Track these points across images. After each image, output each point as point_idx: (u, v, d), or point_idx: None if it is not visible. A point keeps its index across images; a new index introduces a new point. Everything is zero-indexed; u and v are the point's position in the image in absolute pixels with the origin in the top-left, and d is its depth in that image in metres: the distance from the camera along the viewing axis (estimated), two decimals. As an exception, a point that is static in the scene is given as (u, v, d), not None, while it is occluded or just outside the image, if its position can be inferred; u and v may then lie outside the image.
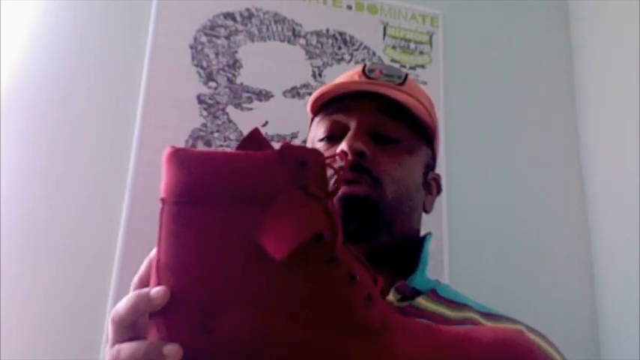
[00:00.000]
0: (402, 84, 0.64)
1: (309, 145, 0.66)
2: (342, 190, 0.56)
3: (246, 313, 0.33)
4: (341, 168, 0.55)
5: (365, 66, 0.65)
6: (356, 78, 0.64)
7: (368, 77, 0.64)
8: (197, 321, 0.33)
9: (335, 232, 0.35)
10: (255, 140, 0.39)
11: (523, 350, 0.34)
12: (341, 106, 0.62)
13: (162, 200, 0.36)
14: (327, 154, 0.60)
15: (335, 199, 0.55)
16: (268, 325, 0.33)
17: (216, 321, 0.33)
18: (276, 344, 0.32)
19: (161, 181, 0.36)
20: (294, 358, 0.32)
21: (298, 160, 0.34)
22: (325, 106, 0.64)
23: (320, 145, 0.63)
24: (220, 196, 0.34)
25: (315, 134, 0.65)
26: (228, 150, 0.35)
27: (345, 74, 0.67)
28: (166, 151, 0.36)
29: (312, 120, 0.68)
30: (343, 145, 0.57)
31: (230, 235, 0.34)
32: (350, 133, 0.59)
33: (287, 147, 0.34)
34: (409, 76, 0.66)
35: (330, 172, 0.57)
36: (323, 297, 0.34)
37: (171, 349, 0.33)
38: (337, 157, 0.55)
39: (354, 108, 0.61)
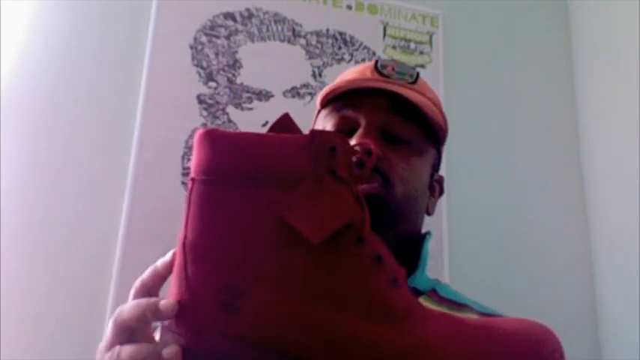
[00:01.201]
0: (414, 82, 0.63)
1: None
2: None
3: (273, 292, 0.33)
4: (369, 153, 0.55)
5: (377, 62, 0.63)
6: (368, 73, 0.62)
7: (380, 73, 0.62)
8: (224, 300, 0.33)
9: (363, 214, 0.35)
10: (284, 125, 0.39)
11: (547, 340, 0.34)
12: (351, 101, 0.61)
13: (192, 180, 0.36)
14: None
15: None
16: (295, 305, 0.33)
17: (243, 300, 0.33)
18: (303, 324, 0.33)
19: (192, 161, 0.37)
20: (320, 339, 0.32)
21: (328, 145, 0.35)
22: (334, 100, 0.63)
23: None
24: (250, 176, 0.34)
25: (322, 128, 0.63)
26: (259, 132, 0.36)
27: (355, 69, 0.66)
28: (199, 131, 0.36)
29: (319, 113, 0.67)
30: (354, 143, 0.56)
31: (259, 215, 0.34)
32: (360, 131, 0.58)
33: (317, 132, 0.35)
34: (420, 74, 0.65)
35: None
36: (350, 277, 0.34)
37: (171, 351, 0.33)
38: (359, 147, 0.55)
39: (364, 105, 0.60)
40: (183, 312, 0.34)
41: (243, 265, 0.33)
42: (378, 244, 0.36)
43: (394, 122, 0.60)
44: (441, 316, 0.35)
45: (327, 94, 0.62)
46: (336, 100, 0.62)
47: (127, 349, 0.35)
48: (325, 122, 0.63)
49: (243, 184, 0.34)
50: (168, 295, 0.36)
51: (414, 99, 0.59)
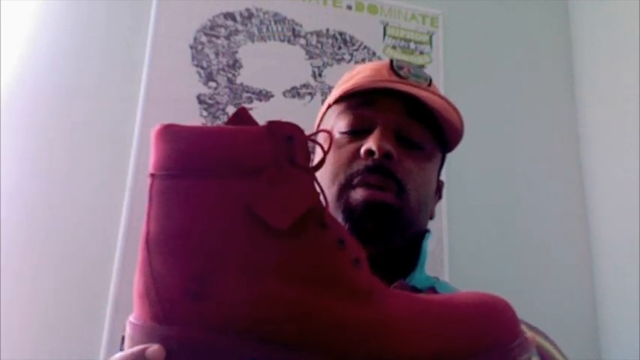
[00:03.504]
0: (428, 86, 0.62)
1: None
2: (368, 193, 0.55)
3: (241, 278, 0.34)
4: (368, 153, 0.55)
5: (392, 62, 0.62)
6: (385, 73, 0.61)
7: (397, 74, 0.61)
8: (190, 289, 0.34)
9: (322, 201, 0.37)
10: (242, 119, 0.40)
11: (502, 308, 0.36)
12: (368, 100, 0.60)
13: (152, 176, 0.36)
14: (350, 148, 0.58)
15: (360, 202, 0.55)
16: (261, 289, 0.33)
17: (209, 288, 0.33)
18: (270, 307, 0.33)
19: (151, 157, 0.37)
20: (288, 320, 0.33)
21: (285, 135, 0.36)
22: (349, 97, 0.61)
23: (342, 138, 0.60)
24: (209, 167, 0.35)
25: (334, 124, 0.62)
26: (216, 125, 0.37)
27: (369, 67, 0.64)
28: (155, 128, 0.37)
29: (328, 108, 0.65)
30: (371, 144, 0.56)
31: (220, 205, 0.35)
32: (377, 133, 0.57)
33: (274, 122, 0.36)
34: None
35: (359, 165, 0.57)
36: (314, 260, 0.35)
37: (153, 350, 0.33)
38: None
39: (382, 105, 0.59)
40: (151, 306, 0.34)
41: (209, 254, 0.34)
42: (340, 227, 0.37)
43: (410, 126, 0.59)
44: (402, 293, 0.37)
45: (347, 91, 0.60)
46: (351, 97, 0.61)
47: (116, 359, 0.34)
48: (338, 119, 0.61)
49: (202, 175, 0.35)
50: (134, 293, 0.36)
51: (433, 103, 0.58)
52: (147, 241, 0.36)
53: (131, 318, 0.36)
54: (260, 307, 0.33)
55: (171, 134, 0.36)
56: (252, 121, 0.40)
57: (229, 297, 0.33)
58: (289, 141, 0.36)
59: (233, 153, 0.35)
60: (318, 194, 0.37)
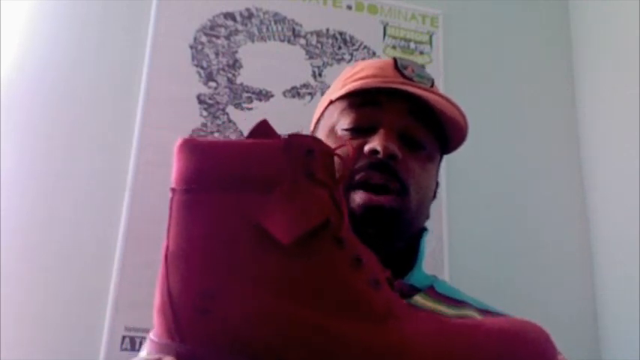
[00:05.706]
0: (431, 86, 0.62)
1: (323, 130, 0.64)
2: (367, 198, 0.55)
3: (246, 296, 0.33)
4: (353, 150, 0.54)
5: (396, 61, 0.62)
6: (389, 72, 0.61)
7: (401, 74, 0.61)
8: (199, 306, 0.33)
9: (341, 216, 0.35)
10: (263, 131, 0.40)
11: (535, 336, 0.33)
12: (372, 99, 0.60)
13: (173, 190, 0.36)
14: (353, 144, 0.58)
15: (359, 206, 0.55)
16: (269, 306, 0.33)
17: (217, 305, 0.33)
18: (277, 327, 0.33)
19: (171, 172, 0.37)
20: (295, 338, 0.32)
21: (305, 149, 0.35)
22: (353, 94, 0.61)
23: (344, 135, 0.60)
24: (229, 182, 0.35)
25: (337, 121, 0.62)
26: (237, 139, 0.36)
27: (373, 65, 0.64)
28: (177, 141, 0.36)
29: (329, 105, 0.65)
30: (376, 144, 0.56)
31: (236, 220, 0.34)
32: (382, 133, 0.57)
33: (294, 136, 0.35)
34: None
35: (362, 161, 0.56)
36: (327, 278, 0.34)
37: None
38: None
39: (386, 105, 0.59)
40: (166, 322, 0.34)
41: (217, 271, 0.34)
42: (358, 245, 0.36)
43: (413, 126, 0.59)
44: (426, 316, 0.35)
45: (353, 91, 0.60)
46: (355, 94, 0.61)
47: None
48: (342, 116, 0.61)
49: (222, 191, 0.35)
50: (154, 309, 0.36)
51: (438, 104, 0.58)
52: (166, 257, 0.35)
53: (151, 334, 0.36)
54: (267, 327, 0.32)
55: (190, 148, 0.36)
56: (273, 134, 0.39)
57: (236, 315, 0.33)
58: (309, 155, 0.35)
59: (251, 167, 0.34)
60: (334, 209, 0.35)
